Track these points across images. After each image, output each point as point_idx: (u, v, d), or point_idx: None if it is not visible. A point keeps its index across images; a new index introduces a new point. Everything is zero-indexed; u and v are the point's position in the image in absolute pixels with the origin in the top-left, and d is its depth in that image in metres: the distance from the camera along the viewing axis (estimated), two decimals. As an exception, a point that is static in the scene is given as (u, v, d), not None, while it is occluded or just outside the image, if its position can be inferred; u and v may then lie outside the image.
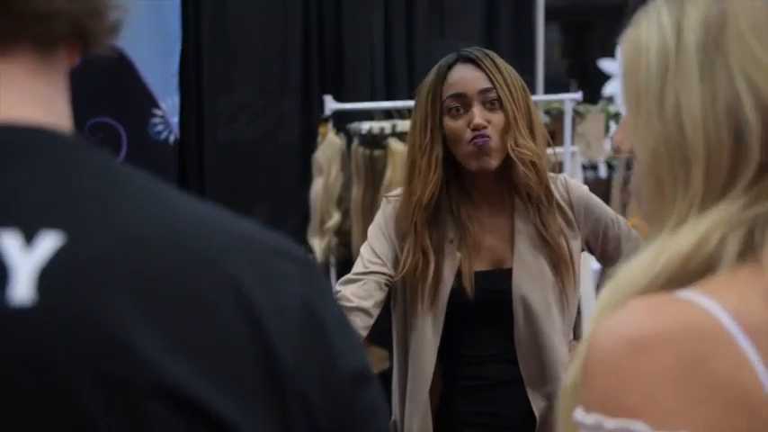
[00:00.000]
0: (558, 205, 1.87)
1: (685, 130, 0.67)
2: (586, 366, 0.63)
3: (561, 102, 3.76)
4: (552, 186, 1.86)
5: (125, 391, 0.52)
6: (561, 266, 1.84)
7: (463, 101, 1.81)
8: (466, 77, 1.83)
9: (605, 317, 0.64)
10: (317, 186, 3.73)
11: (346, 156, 3.74)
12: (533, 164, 1.80)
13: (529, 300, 1.82)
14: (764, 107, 0.65)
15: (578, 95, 3.78)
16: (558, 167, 3.48)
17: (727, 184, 0.66)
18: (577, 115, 3.91)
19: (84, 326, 0.52)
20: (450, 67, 1.85)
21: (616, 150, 0.81)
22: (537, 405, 1.84)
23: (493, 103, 1.81)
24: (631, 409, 0.59)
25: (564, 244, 1.85)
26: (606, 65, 5.76)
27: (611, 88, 5.42)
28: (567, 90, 4.16)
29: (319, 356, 0.57)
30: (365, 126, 3.66)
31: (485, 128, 1.79)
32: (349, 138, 3.79)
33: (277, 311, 0.56)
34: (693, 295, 0.62)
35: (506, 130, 1.80)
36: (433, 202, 1.82)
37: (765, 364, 0.59)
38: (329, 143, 3.72)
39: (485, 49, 1.88)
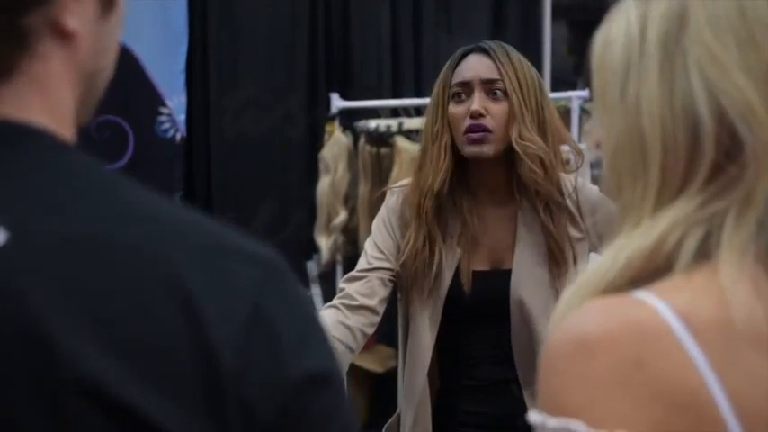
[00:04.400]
0: (566, 206, 1.83)
1: (643, 125, 0.66)
2: (540, 367, 0.64)
3: (568, 99, 3.75)
4: (562, 186, 1.83)
5: (51, 390, 0.52)
6: (564, 270, 1.81)
7: (466, 88, 1.80)
8: (473, 66, 1.81)
9: (564, 318, 0.64)
10: (324, 184, 3.73)
11: (353, 154, 3.74)
12: (539, 159, 1.75)
13: (526, 303, 1.80)
14: (719, 105, 0.64)
15: (585, 93, 3.77)
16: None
17: (684, 181, 0.65)
18: (585, 113, 3.90)
19: (13, 323, 0.52)
20: (463, 56, 1.84)
21: (598, 146, 0.81)
22: (534, 406, 1.81)
23: (496, 93, 1.78)
24: (572, 410, 0.60)
25: (568, 247, 1.82)
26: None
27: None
28: (574, 88, 4.15)
29: (265, 361, 0.56)
30: (372, 124, 3.67)
31: (482, 116, 1.76)
32: (356, 136, 3.79)
33: (223, 315, 0.55)
34: (646, 295, 0.62)
35: (510, 121, 1.76)
36: (444, 190, 1.80)
37: (711, 364, 0.59)
38: (336, 141, 3.73)
39: (505, 44, 1.86)
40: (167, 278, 0.55)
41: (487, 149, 1.77)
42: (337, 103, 3.79)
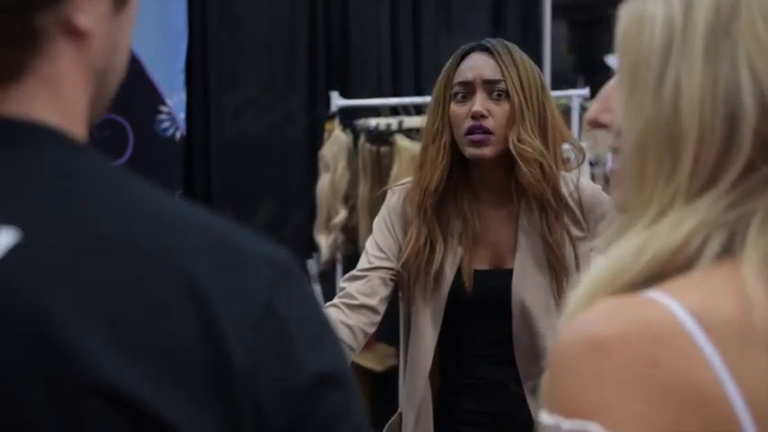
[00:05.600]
0: (567, 205, 1.82)
1: (680, 112, 0.64)
2: (549, 367, 0.63)
3: (569, 98, 3.75)
4: (563, 185, 1.81)
5: (64, 391, 0.52)
6: (561, 275, 1.80)
7: (468, 88, 1.79)
8: (476, 65, 1.80)
9: (575, 316, 0.64)
10: (324, 183, 3.73)
11: (353, 152, 3.73)
12: (537, 162, 1.75)
13: (527, 302, 1.79)
14: (764, 98, 0.63)
15: (585, 91, 3.77)
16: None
17: (713, 176, 0.64)
18: (585, 111, 3.89)
19: (27, 323, 0.52)
20: (466, 54, 1.83)
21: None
22: (534, 406, 1.79)
23: (500, 94, 1.77)
24: (586, 411, 0.59)
25: (567, 252, 1.81)
26: (614, 61, 5.71)
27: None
28: (574, 86, 4.15)
29: (276, 361, 0.56)
30: (372, 122, 3.66)
31: (483, 117, 1.75)
32: (355, 134, 3.79)
33: (236, 315, 0.55)
34: (658, 295, 0.61)
35: (510, 123, 1.76)
36: (440, 189, 1.80)
37: (726, 363, 0.59)
38: (336, 140, 3.72)
39: (507, 42, 1.84)
40: (180, 277, 0.55)
41: (488, 151, 1.76)
42: (337, 101, 3.79)
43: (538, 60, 4.41)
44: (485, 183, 1.84)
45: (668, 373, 0.59)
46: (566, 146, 1.89)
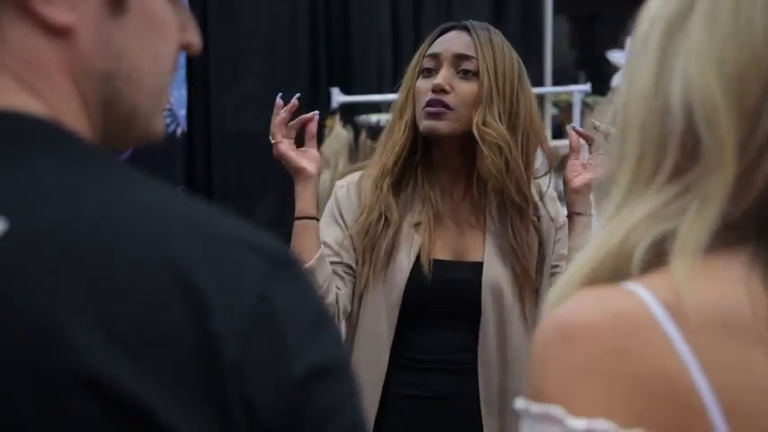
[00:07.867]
0: (529, 214, 1.71)
1: (629, 104, 0.66)
2: (528, 356, 0.64)
3: (570, 93, 3.75)
4: (534, 191, 1.71)
5: (49, 380, 0.51)
6: (524, 283, 1.68)
7: (436, 62, 1.68)
8: (448, 39, 1.70)
9: (557, 305, 0.65)
10: (325, 179, 3.73)
11: (354, 148, 3.74)
12: (500, 150, 1.62)
13: (503, 297, 1.66)
14: (688, 96, 0.63)
15: (587, 87, 3.77)
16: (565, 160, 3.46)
17: (654, 170, 0.65)
18: (586, 107, 3.89)
19: (12, 312, 0.52)
20: (444, 31, 1.74)
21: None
22: (490, 428, 1.65)
23: (467, 73, 1.66)
24: (553, 397, 0.60)
25: (531, 260, 1.69)
26: (615, 56, 5.72)
27: (619, 80, 5.38)
28: (575, 82, 4.15)
29: (270, 353, 0.55)
30: (373, 118, 3.66)
31: (444, 91, 1.64)
32: (356, 130, 3.79)
33: (226, 305, 0.54)
34: (634, 286, 0.62)
35: (475, 104, 1.64)
36: (398, 166, 1.70)
37: (696, 355, 0.59)
38: (336, 136, 3.72)
39: (492, 27, 1.73)
40: (169, 266, 0.54)
41: (443, 126, 1.65)
42: (338, 97, 3.79)
43: (539, 56, 4.41)
44: (445, 165, 1.72)
45: (637, 363, 0.59)
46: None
